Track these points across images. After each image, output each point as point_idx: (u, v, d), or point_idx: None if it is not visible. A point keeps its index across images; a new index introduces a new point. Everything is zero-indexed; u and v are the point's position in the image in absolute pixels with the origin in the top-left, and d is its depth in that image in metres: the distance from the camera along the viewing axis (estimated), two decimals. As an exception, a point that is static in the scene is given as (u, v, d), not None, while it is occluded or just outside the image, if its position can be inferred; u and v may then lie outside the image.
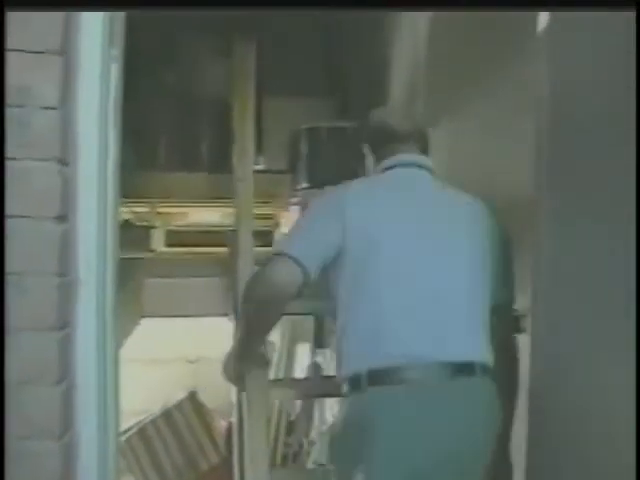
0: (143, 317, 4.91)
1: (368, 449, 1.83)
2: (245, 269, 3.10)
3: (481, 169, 2.28)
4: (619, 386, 1.48)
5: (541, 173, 1.79)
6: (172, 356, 6.96)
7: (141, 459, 5.42)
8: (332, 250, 1.96)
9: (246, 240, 3.28)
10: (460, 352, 1.90)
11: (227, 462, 4.83)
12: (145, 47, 3.60)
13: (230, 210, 3.67)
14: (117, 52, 1.63)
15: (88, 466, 1.55)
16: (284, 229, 4.07)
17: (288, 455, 5.37)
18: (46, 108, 1.44)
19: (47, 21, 1.44)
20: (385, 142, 2.20)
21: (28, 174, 1.44)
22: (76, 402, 1.54)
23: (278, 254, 1.97)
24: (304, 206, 3.35)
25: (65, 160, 1.47)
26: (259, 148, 4.10)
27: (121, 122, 1.66)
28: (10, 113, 1.42)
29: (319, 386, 3.37)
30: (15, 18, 1.41)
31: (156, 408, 5.74)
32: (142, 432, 5.51)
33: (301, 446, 5.37)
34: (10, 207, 1.42)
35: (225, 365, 2.32)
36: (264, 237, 4.03)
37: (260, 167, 4.25)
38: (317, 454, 5.06)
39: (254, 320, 2.10)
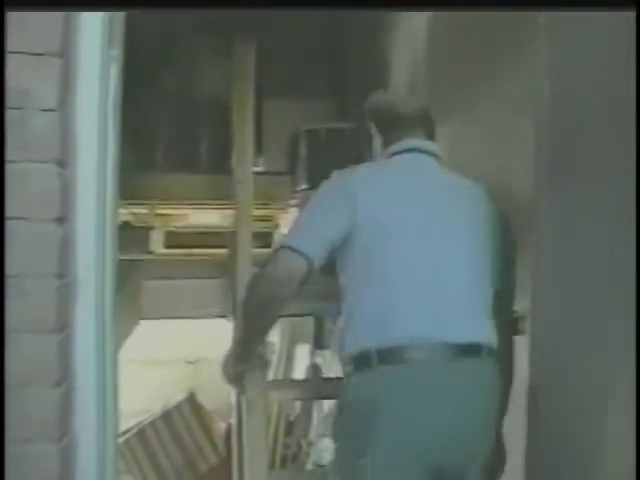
0: (142, 319, 4.90)
1: (374, 427, 1.85)
2: (244, 270, 3.10)
3: (481, 169, 2.28)
4: (619, 386, 1.48)
5: (541, 173, 1.79)
6: (171, 357, 6.96)
7: (140, 460, 5.42)
8: (340, 234, 1.96)
9: (245, 241, 3.29)
10: (465, 334, 1.91)
11: (226, 463, 4.82)
12: (144, 48, 3.60)
13: (229, 211, 3.67)
14: (117, 53, 1.63)
15: (87, 467, 1.55)
16: (283, 230, 4.07)
17: (287, 456, 5.36)
18: (45, 110, 1.44)
19: (46, 23, 1.44)
20: (392, 124, 2.20)
21: (27, 176, 1.43)
22: (75, 404, 1.53)
23: (280, 247, 1.98)
24: (303, 207, 3.34)
25: (64, 162, 1.47)
26: (258, 150, 4.10)
27: (120, 123, 1.66)
28: (9, 115, 1.42)
29: (318, 387, 3.37)
30: (14, 20, 1.41)
31: (155, 409, 5.74)
32: (141, 433, 5.51)
33: (300, 447, 5.36)
34: (9, 209, 1.42)
35: (224, 366, 2.32)
36: (263, 238, 4.03)
37: (259, 169, 4.25)
38: (316, 455, 5.06)
39: (256, 317, 2.10)
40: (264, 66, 3.61)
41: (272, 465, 5.03)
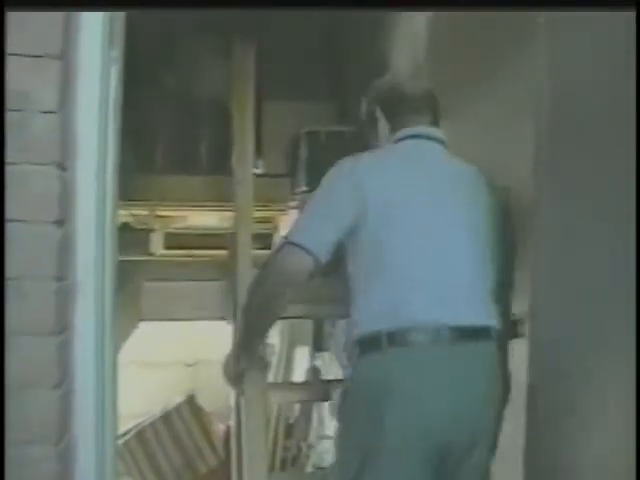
0: (141, 320, 4.90)
1: (384, 408, 1.86)
2: (244, 272, 3.10)
3: (481, 169, 2.27)
4: (619, 386, 1.47)
5: (541, 173, 1.79)
6: (171, 359, 6.96)
7: (139, 462, 5.42)
8: (348, 225, 1.97)
9: (245, 243, 3.28)
10: (470, 318, 1.93)
11: (225, 465, 4.82)
12: (144, 49, 3.59)
13: (229, 213, 3.67)
14: (117, 55, 1.63)
15: (86, 469, 1.55)
16: (283, 232, 4.07)
17: (287, 459, 5.36)
18: (45, 112, 1.43)
19: (46, 25, 1.43)
20: (397, 106, 2.20)
21: (27, 178, 1.43)
22: (74, 405, 1.53)
23: (286, 243, 1.98)
24: (303, 209, 3.34)
25: (64, 164, 1.47)
26: (259, 151, 4.10)
27: (120, 124, 1.66)
28: (9, 117, 1.42)
29: (318, 390, 3.36)
30: (14, 22, 1.41)
31: (154, 411, 5.73)
32: (140, 435, 5.51)
33: (300, 450, 5.36)
34: (9, 211, 1.42)
35: (225, 366, 2.32)
36: (263, 240, 4.03)
37: (259, 170, 4.24)
38: (316, 458, 5.06)
39: (258, 316, 2.11)
40: (264, 67, 3.60)
41: (272, 468, 5.02)
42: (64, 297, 1.49)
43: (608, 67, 1.54)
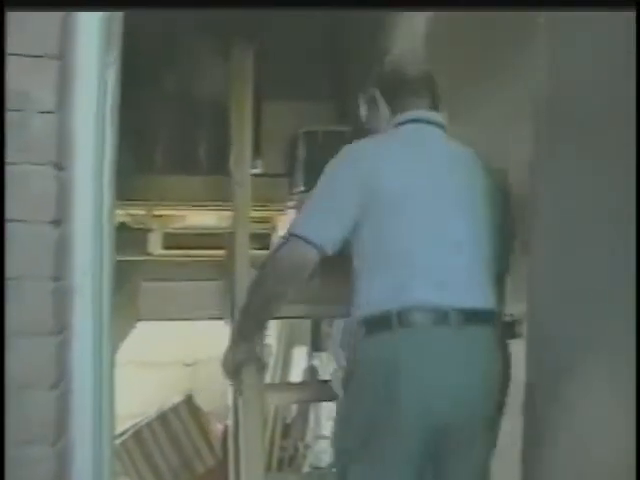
0: (139, 320, 4.89)
1: (392, 387, 1.88)
2: (242, 272, 3.09)
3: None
4: (618, 386, 1.47)
5: (541, 173, 1.79)
6: (168, 359, 6.94)
7: (137, 462, 5.41)
8: (353, 211, 1.98)
9: (243, 243, 3.28)
10: (474, 301, 1.96)
11: (223, 465, 4.81)
12: (142, 50, 3.59)
13: (227, 213, 3.66)
14: (114, 56, 1.63)
15: (83, 469, 1.55)
16: (281, 232, 4.07)
17: (284, 459, 5.36)
18: (43, 112, 1.43)
19: (44, 25, 1.44)
20: (397, 88, 2.21)
21: (25, 178, 1.43)
22: (72, 406, 1.53)
23: (290, 236, 1.99)
24: (301, 208, 3.34)
25: (61, 164, 1.46)
26: (257, 152, 4.09)
27: (119, 124, 1.66)
28: (8, 117, 1.42)
29: (315, 390, 3.36)
30: (12, 22, 1.41)
31: (152, 411, 5.73)
32: (138, 435, 5.50)
33: (297, 450, 5.36)
34: (7, 211, 1.42)
35: (224, 359, 2.32)
36: (261, 240, 4.02)
37: (258, 170, 4.24)
38: (313, 458, 5.06)
39: (259, 310, 2.12)
40: (263, 67, 3.60)
41: (269, 467, 5.03)
42: (62, 297, 1.49)
43: (608, 67, 1.54)
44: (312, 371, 5.23)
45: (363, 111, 2.31)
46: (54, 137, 1.44)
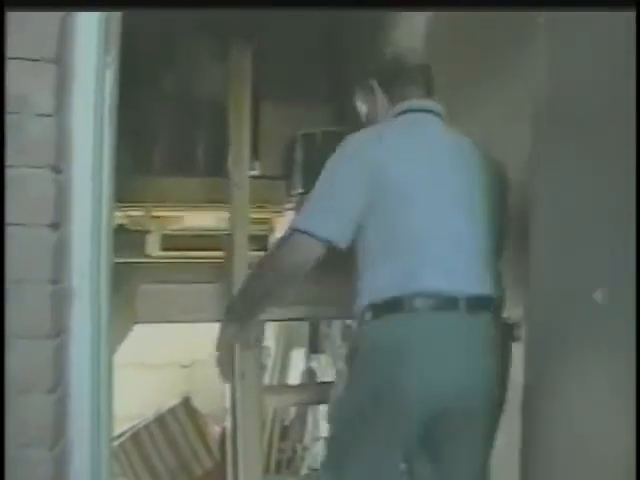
0: (137, 322, 4.88)
1: (395, 366, 1.90)
2: (240, 273, 3.10)
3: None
4: (618, 386, 1.47)
5: (541, 173, 1.78)
6: (166, 361, 6.94)
7: (134, 464, 5.40)
8: (358, 202, 1.98)
9: (241, 244, 3.28)
10: (477, 288, 1.98)
11: (221, 467, 4.80)
12: (141, 51, 3.60)
13: (225, 214, 3.66)
14: (112, 58, 1.63)
15: (81, 471, 1.55)
16: (279, 234, 4.07)
17: (282, 461, 5.35)
18: (41, 115, 1.43)
19: (43, 28, 1.43)
20: (395, 77, 2.23)
21: (23, 181, 1.43)
22: (70, 409, 1.53)
23: (294, 230, 2.00)
24: (298, 211, 3.35)
25: (59, 167, 1.46)
26: (255, 153, 4.10)
27: (117, 126, 1.66)
28: (6, 120, 1.41)
29: (314, 392, 3.36)
30: (11, 25, 1.40)
31: (150, 413, 5.72)
32: (135, 437, 5.49)
33: (295, 452, 5.35)
34: (6, 214, 1.41)
35: (216, 340, 2.31)
36: (260, 241, 4.03)
37: (256, 172, 4.24)
38: (311, 460, 5.05)
39: (260, 299, 2.13)
40: (262, 68, 3.60)
41: (267, 470, 5.02)
42: (60, 300, 1.49)
43: (608, 67, 1.54)
44: (310, 373, 5.22)
45: (361, 105, 2.31)
46: (52, 140, 1.44)
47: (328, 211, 1.99)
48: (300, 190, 3.98)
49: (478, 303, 1.96)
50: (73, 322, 1.52)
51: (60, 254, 1.48)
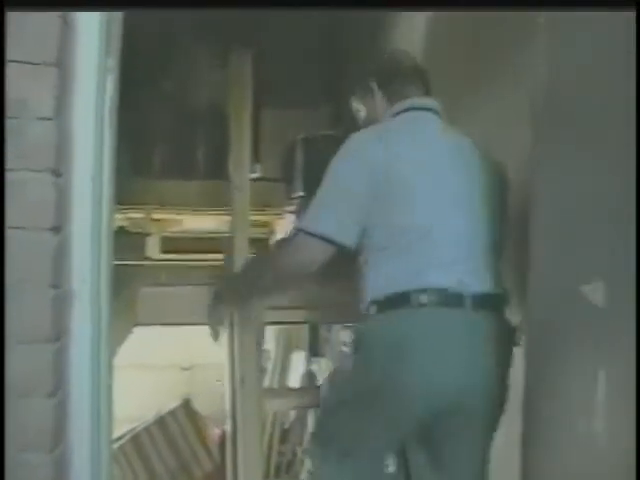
0: (137, 325, 4.88)
1: (395, 363, 1.90)
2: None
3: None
4: (618, 386, 1.47)
5: (541, 173, 1.78)
6: (166, 363, 6.95)
7: (135, 466, 5.41)
8: (365, 200, 1.98)
9: (242, 247, 3.29)
10: (481, 286, 1.98)
11: (220, 470, 4.81)
12: (142, 55, 3.60)
13: (226, 217, 3.66)
14: (113, 62, 1.63)
15: (81, 474, 1.54)
16: (279, 236, 4.08)
17: (282, 464, 5.36)
18: (41, 119, 1.43)
19: (43, 32, 1.43)
20: (393, 75, 2.23)
21: (24, 185, 1.42)
22: (70, 412, 1.53)
23: (299, 232, 2.01)
24: (299, 214, 3.36)
25: (59, 171, 1.46)
26: (256, 156, 4.10)
27: (117, 129, 1.65)
28: (7, 124, 1.41)
29: (314, 396, 3.36)
30: (11, 28, 1.40)
31: (150, 415, 5.72)
32: (135, 439, 5.50)
33: (295, 455, 5.35)
34: (6, 218, 1.41)
35: (208, 316, 2.37)
36: (260, 244, 4.03)
37: (256, 175, 4.24)
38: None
39: (260, 292, 2.13)
40: (261, 70, 3.60)
41: (267, 473, 5.02)
42: (60, 304, 1.49)
43: (608, 67, 1.54)
44: (310, 376, 5.22)
45: (359, 105, 2.31)
46: (52, 143, 1.44)
47: (332, 212, 2.00)
48: (300, 193, 3.98)
49: (483, 301, 1.96)
50: (73, 325, 1.52)
51: (61, 257, 1.48)
